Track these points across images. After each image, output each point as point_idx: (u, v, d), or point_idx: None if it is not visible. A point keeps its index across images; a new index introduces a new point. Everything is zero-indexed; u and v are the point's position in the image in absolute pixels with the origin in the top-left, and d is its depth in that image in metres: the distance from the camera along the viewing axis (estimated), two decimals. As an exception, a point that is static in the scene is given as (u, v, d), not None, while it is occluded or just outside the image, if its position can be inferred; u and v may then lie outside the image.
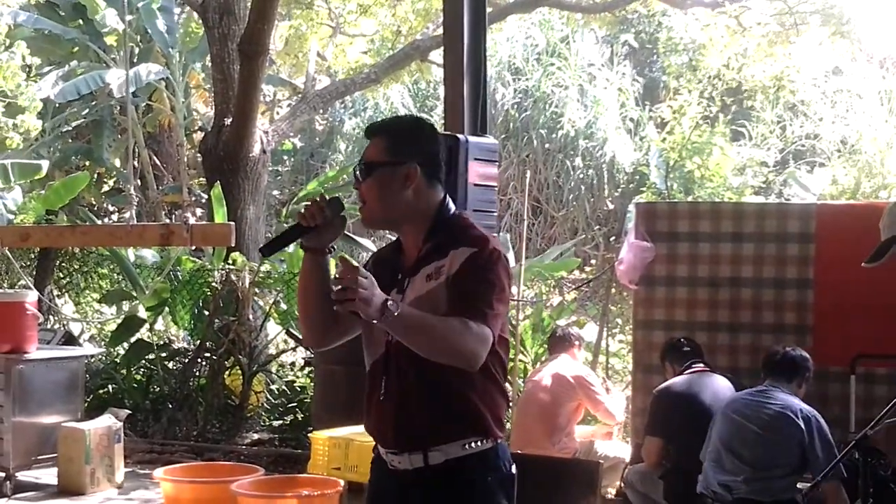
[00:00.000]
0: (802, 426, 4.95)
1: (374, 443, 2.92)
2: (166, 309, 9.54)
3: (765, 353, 5.48)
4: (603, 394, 6.69)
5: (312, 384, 8.43)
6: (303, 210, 2.79)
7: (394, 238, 2.94)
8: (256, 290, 9.25)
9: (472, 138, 5.58)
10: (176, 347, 10.05)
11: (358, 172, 2.82)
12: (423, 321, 2.62)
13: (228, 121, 10.42)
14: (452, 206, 2.87)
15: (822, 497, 4.84)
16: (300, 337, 9.33)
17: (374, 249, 12.41)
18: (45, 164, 11.28)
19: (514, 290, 7.32)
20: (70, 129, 15.75)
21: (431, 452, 2.76)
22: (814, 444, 4.92)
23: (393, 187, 2.78)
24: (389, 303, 2.52)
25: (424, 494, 2.78)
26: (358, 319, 2.69)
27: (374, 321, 2.55)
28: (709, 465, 5.18)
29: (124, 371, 9.62)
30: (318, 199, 2.80)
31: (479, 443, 2.77)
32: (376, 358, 2.83)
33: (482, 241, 2.77)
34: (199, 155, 12.98)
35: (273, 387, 9.35)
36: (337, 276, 2.51)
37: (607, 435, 6.89)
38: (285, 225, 9.90)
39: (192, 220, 6.09)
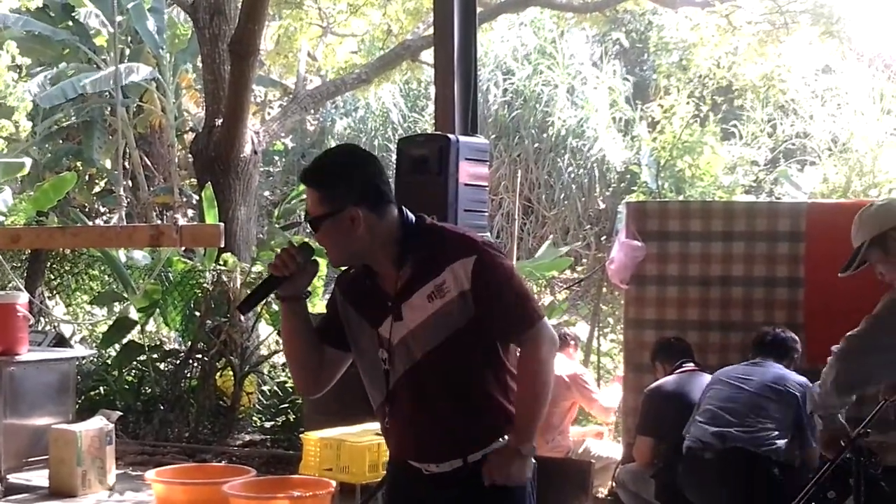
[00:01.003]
0: (797, 394, 5.09)
1: (378, 447, 2.98)
2: (157, 310, 9.52)
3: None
4: (597, 391, 6.71)
5: (304, 385, 8.41)
6: (274, 261, 2.79)
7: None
8: (248, 290, 9.24)
9: (462, 138, 5.58)
10: (167, 349, 10.04)
11: (310, 225, 2.84)
12: (540, 412, 2.81)
13: (219, 121, 10.41)
14: (410, 214, 2.85)
15: (808, 462, 5.06)
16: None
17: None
18: (28, 162, 11.22)
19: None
20: (60, 129, 15.70)
21: (471, 455, 2.79)
22: (803, 418, 5.03)
23: (342, 233, 2.77)
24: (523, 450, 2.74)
25: (463, 491, 2.80)
26: (345, 353, 2.83)
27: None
28: (700, 421, 5.23)
29: (116, 372, 9.60)
30: (287, 247, 2.82)
31: (506, 437, 2.82)
32: (386, 387, 2.86)
33: (470, 244, 2.78)
34: (189, 156, 12.96)
35: (265, 388, 9.35)
36: None
37: (598, 435, 6.90)
38: (276, 226, 9.88)
39: (182, 221, 6.09)
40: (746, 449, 5.04)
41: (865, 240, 4.13)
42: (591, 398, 6.63)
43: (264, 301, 2.86)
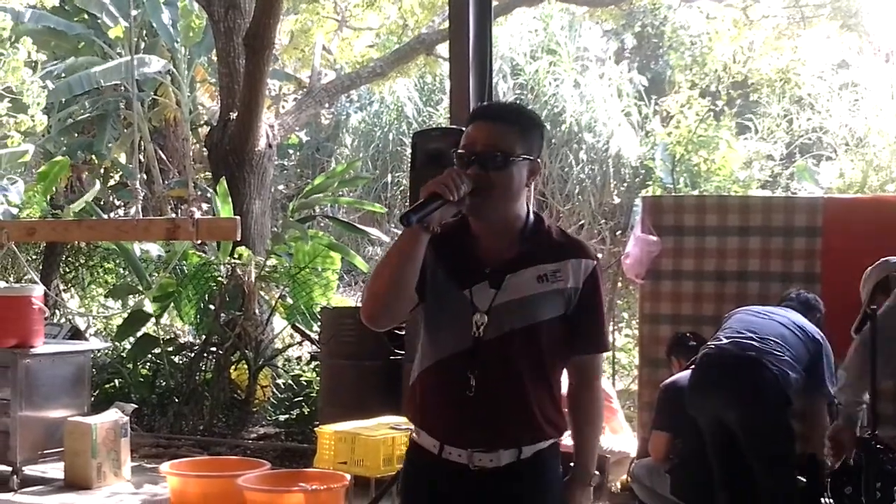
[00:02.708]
0: (819, 339, 5.25)
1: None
2: (172, 304, 9.54)
3: None
4: (618, 407, 6.68)
5: (318, 378, 8.43)
6: (443, 179, 2.63)
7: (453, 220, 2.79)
8: (262, 284, 9.25)
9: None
10: (182, 342, 10.06)
11: (485, 159, 2.69)
12: (599, 439, 2.93)
13: (234, 115, 10.41)
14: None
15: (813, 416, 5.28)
16: (306, 331, 9.34)
17: (385, 238, 12.39)
18: (30, 149, 11.22)
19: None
20: (75, 123, 15.74)
21: (525, 447, 2.75)
22: (821, 359, 5.20)
23: (517, 180, 2.73)
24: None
25: (504, 488, 2.74)
26: (418, 301, 2.73)
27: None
28: (719, 335, 5.33)
29: (130, 365, 9.63)
30: (457, 170, 2.69)
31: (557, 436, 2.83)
32: (456, 351, 2.74)
33: (590, 251, 2.84)
34: (204, 149, 12.98)
35: (279, 381, 9.35)
36: None
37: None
38: (291, 219, 9.85)
39: (197, 215, 6.09)
40: (760, 360, 5.07)
41: (871, 288, 4.42)
42: (612, 409, 6.60)
43: (428, 215, 2.62)
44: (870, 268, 4.67)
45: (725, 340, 5.22)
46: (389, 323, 2.78)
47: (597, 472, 2.87)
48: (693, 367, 5.39)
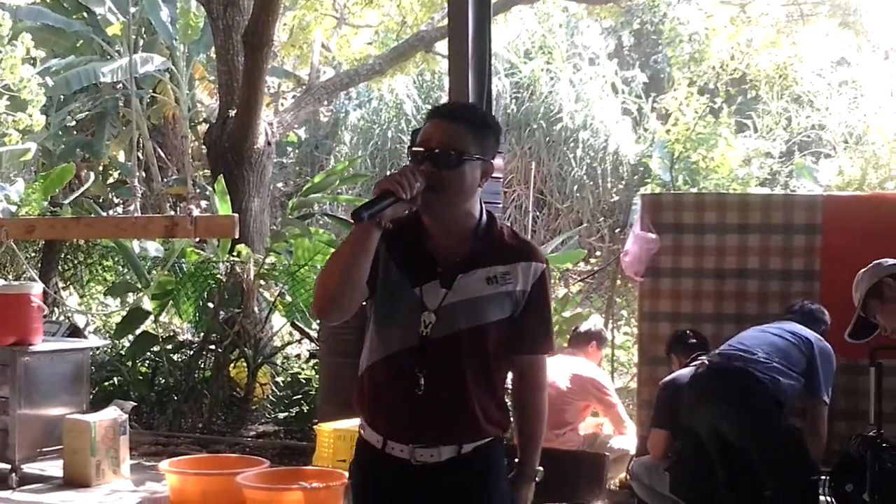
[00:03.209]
0: (812, 341, 5.31)
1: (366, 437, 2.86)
2: (171, 301, 9.53)
3: None
4: (617, 400, 6.68)
5: (318, 376, 8.43)
6: (395, 177, 2.65)
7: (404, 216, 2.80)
8: (261, 282, 9.25)
9: (477, 129, 5.55)
10: (181, 340, 10.05)
11: (438, 158, 2.71)
12: (543, 435, 2.90)
13: (233, 112, 10.41)
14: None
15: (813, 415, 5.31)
16: (305, 329, 9.33)
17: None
18: (32, 147, 11.22)
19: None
20: (74, 122, 15.73)
21: (465, 444, 2.78)
22: (816, 365, 5.25)
23: (469, 180, 2.75)
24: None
25: (445, 482, 2.77)
26: (368, 295, 2.74)
27: None
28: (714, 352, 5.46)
29: (129, 363, 9.62)
30: (410, 167, 2.70)
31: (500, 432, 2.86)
32: (404, 347, 2.76)
33: (540, 254, 2.86)
34: (203, 147, 12.97)
35: (278, 379, 9.35)
36: None
37: (598, 427, 6.81)
38: (290, 217, 9.85)
39: (196, 212, 6.09)
40: (746, 369, 5.11)
41: (863, 293, 4.37)
42: (610, 403, 6.60)
43: (380, 212, 2.64)
44: (862, 271, 4.64)
45: (715, 355, 5.33)
46: (340, 317, 2.78)
47: (540, 468, 2.90)
48: (686, 385, 5.42)
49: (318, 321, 8.84)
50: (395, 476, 2.79)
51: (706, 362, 5.34)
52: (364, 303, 2.80)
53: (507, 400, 2.90)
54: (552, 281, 3.06)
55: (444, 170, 2.71)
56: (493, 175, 2.87)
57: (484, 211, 2.83)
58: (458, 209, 2.77)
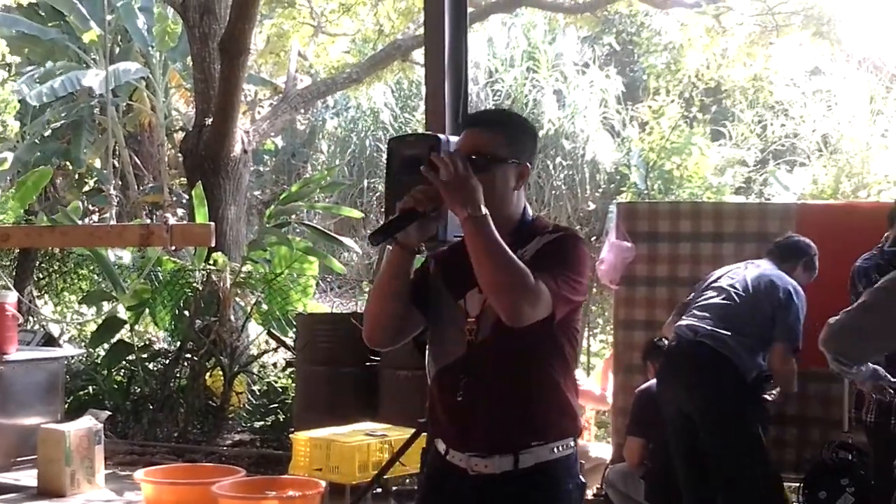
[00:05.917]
0: (781, 295, 5.16)
1: (425, 446, 2.87)
2: (147, 310, 9.50)
3: None
4: (584, 382, 6.74)
5: (294, 385, 8.41)
6: (413, 194, 2.65)
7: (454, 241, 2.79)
8: (238, 290, 9.23)
9: (453, 138, 5.53)
10: (157, 348, 10.01)
11: (470, 164, 2.67)
12: (499, 239, 2.59)
13: (209, 120, 10.39)
14: (530, 210, 2.86)
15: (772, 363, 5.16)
16: (281, 338, 9.31)
17: (357, 250, 12.39)
18: (9, 157, 11.15)
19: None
20: (49, 130, 15.65)
21: (523, 455, 2.71)
22: (787, 311, 5.13)
23: (503, 185, 2.74)
24: (481, 200, 2.57)
25: (506, 500, 2.72)
26: (422, 317, 2.76)
27: (457, 211, 2.58)
28: (677, 318, 5.36)
29: (105, 372, 9.57)
30: (426, 186, 2.66)
31: (564, 447, 2.75)
32: (453, 360, 2.76)
33: (565, 229, 2.82)
34: (179, 155, 12.93)
35: (254, 387, 9.33)
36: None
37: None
38: (268, 225, 9.83)
39: (172, 221, 6.06)
40: (715, 349, 5.08)
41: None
42: (581, 392, 6.65)
43: (394, 233, 2.65)
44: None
45: (685, 327, 5.22)
46: (388, 342, 2.85)
47: (483, 214, 2.61)
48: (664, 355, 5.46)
49: (293, 329, 8.83)
50: (456, 485, 2.77)
51: (677, 337, 5.26)
52: (422, 329, 2.84)
53: (574, 404, 2.79)
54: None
55: (476, 174, 2.67)
56: None
57: (528, 212, 2.82)
58: (494, 214, 2.67)
